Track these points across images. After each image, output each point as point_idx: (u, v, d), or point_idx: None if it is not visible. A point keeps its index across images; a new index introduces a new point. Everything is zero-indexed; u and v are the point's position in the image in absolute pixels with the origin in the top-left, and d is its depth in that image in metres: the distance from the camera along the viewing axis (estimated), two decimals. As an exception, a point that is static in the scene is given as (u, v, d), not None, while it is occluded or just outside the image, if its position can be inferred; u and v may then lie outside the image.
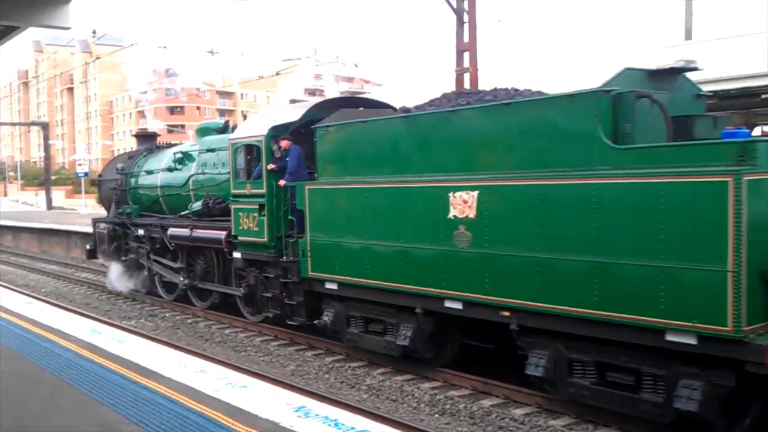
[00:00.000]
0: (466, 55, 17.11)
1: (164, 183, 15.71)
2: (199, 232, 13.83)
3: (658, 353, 6.94)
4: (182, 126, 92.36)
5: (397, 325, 9.75)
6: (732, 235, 6.18)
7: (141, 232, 16.20)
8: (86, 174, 48.50)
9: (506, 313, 8.19)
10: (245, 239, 12.33)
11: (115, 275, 16.99)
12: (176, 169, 15.33)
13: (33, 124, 76.10)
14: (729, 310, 6.23)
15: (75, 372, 7.96)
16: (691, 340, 6.57)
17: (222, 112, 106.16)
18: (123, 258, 17.03)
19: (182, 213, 14.83)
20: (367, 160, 10.05)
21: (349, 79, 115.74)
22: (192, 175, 14.72)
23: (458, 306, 8.75)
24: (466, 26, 16.97)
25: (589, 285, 7.26)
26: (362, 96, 14.71)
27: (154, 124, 22.47)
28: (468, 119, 8.65)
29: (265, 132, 11.83)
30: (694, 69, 8.08)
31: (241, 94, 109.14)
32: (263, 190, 11.73)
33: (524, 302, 7.92)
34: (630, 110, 7.28)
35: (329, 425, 6.20)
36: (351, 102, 12.32)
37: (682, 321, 6.56)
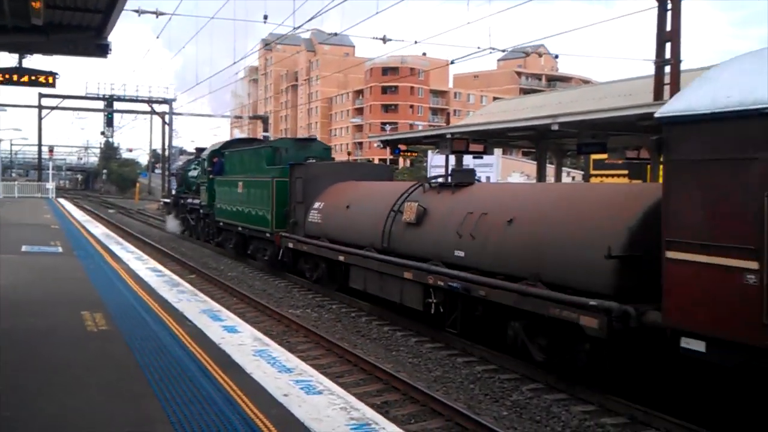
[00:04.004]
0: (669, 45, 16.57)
1: (192, 175, 29.75)
2: (195, 201, 27.58)
3: (267, 242, 19.36)
4: (395, 123, 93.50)
5: (230, 239, 22.76)
6: (271, 196, 18.58)
7: (181, 201, 30.36)
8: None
9: (240, 228, 20.90)
10: (203, 203, 25.86)
11: (172, 224, 31.30)
12: (196, 168, 29.26)
13: (253, 117, 76.62)
14: (270, 223, 18.64)
15: (158, 357, 7.56)
16: (268, 235, 18.97)
17: (435, 111, 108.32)
18: (177, 215, 31.30)
19: (191, 191, 28.77)
20: (232, 168, 23.12)
21: (566, 79, 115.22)
22: (198, 171, 28.50)
23: (240, 228, 21.55)
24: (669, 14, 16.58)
25: (258, 218, 19.82)
26: (258, 137, 27.82)
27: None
28: (241, 153, 21.67)
29: (209, 152, 25.36)
30: (314, 139, 20.25)
31: (455, 93, 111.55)
32: (206, 180, 25.17)
33: (248, 225, 20.59)
34: (277, 154, 19.78)
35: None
36: (248, 140, 25.34)
37: (266, 228, 19.01)
